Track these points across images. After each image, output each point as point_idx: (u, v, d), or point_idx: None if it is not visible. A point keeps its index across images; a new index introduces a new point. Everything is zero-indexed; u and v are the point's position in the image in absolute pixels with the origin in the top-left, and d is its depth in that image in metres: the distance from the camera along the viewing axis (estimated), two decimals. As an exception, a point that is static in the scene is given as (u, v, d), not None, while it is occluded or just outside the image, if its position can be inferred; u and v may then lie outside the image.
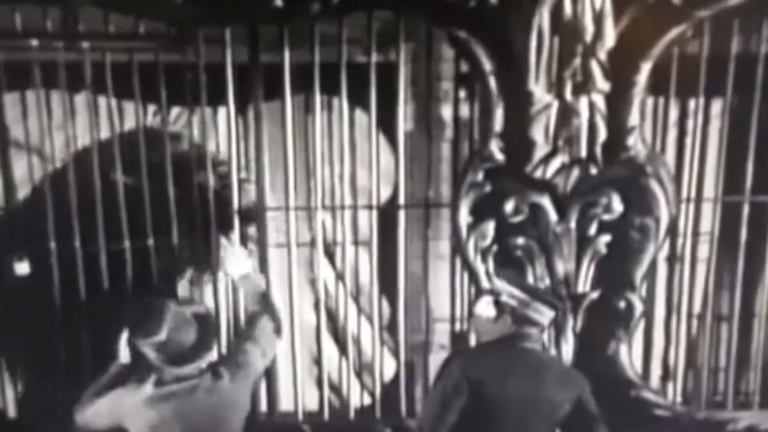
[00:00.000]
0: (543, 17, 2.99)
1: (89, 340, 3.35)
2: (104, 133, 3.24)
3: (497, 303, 2.64)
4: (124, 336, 2.66)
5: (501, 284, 2.71)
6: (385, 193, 3.41)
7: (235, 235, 3.30)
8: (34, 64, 3.12)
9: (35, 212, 3.25)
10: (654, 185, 3.17)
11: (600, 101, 3.09)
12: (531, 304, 2.61)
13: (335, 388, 3.63)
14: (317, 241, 3.41)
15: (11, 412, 3.51)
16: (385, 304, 3.54)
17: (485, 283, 3.23)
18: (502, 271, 2.99)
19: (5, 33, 3.09)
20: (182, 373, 2.49)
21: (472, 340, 2.90)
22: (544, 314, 2.63)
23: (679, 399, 3.53)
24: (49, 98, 3.21)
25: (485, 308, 2.67)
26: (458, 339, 3.46)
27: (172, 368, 2.48)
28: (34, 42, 3.10)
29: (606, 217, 3.20)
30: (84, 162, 3.23)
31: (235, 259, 2.87)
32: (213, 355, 2.61)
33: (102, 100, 3.20)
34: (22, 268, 3.35)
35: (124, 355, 2.66)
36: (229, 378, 2.57)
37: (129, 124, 3.25)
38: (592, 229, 3.21)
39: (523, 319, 2.61)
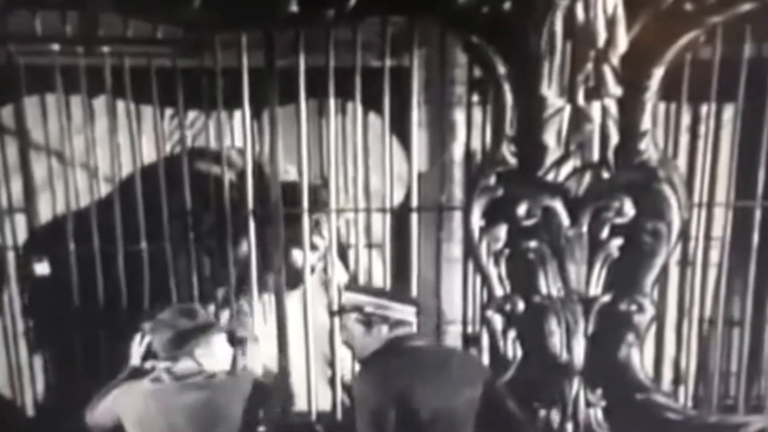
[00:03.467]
0: (556, 22, 3.01)
1: (107, 340, 3.41)
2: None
3: (365, 317, 2.59)
4: (137, 338, 2.71)
5: (349, 298, 2.65)
6: (398, 196, 3.44)
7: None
8: (54, 69, 3.18)
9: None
10: (666, 190, 3.18)
11: (612, 106, 3.10)
12: (388, 306, 2.59)
13: (348, 389, 3.66)
14: (331, 244, 3.45)
15: (30, 410, 3.57)
16: (397, 306, 3.56)
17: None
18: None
19: (26, 38, 3.15)
20: (182, 370, 2.55)
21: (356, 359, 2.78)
22: (405, 311, 2.61)
23: (690, 403, 3.54)
24: (69, 102, 3.26)
25: (355, 324, 2.61)
26: (470, 341, 3.48)
27: (163, 351, 2.54)
28: (54, 47, 3.15)
29: (618, 221, 3.21)
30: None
31: None
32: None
33: (120, 104, 3.26)
34: (43, 268, 3.41)
35: (135, 357, 2.71)
36: (227, 376, 2.64)
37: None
38: (604, 233, 3.22)
39: (393, 322, 2.58)
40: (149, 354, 2.66)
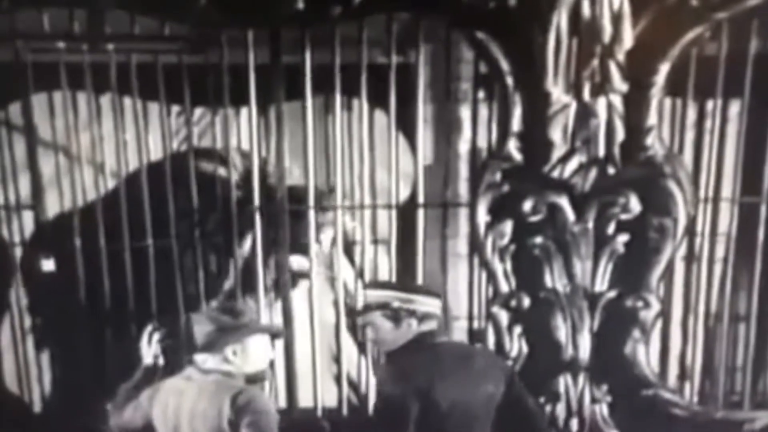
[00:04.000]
0: (561, 18, 3.01)
1: (112, 336, 3.43)
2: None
3: (392, 313, 2.57)
4: (145, 337, 2.71)
5: (373, 295, 2.63)
6: (404, 193, 3.45)
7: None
8: (60, 65, 3.19)
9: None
10: (672, 185, 3.18)
11: (618, 102, 3.11)
12: (413, 299, 2.58)
13: (354, 385, 3.67)
14: (337, 240, 3.45)
15: (37, 407, 3.58)
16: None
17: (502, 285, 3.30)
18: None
19: (33, 35, 3.16)
20: (211, 368, 2.53)
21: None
22: (432, 303, 2.60)
23: (696, 398, 3.53)
24: (76, 99, 3.27)
25: (383, 321, 2.59)
26: (476, 337, 3.49)
27: (202, 345, 2.52)
28: (61, 44, 3.16)
29: (624, 216, 3.21)
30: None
31: None
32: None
33: (127, 101, 3.27)
34: (48, 265, 3.43)
35: (147, 355, 2.71)
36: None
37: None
38: (610, 229, 3.23)
39: (421, 315, 2.57)
40: (168, 351, 2.65)
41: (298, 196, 3.37)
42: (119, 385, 2.68)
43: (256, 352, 2.56)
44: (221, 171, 3.41)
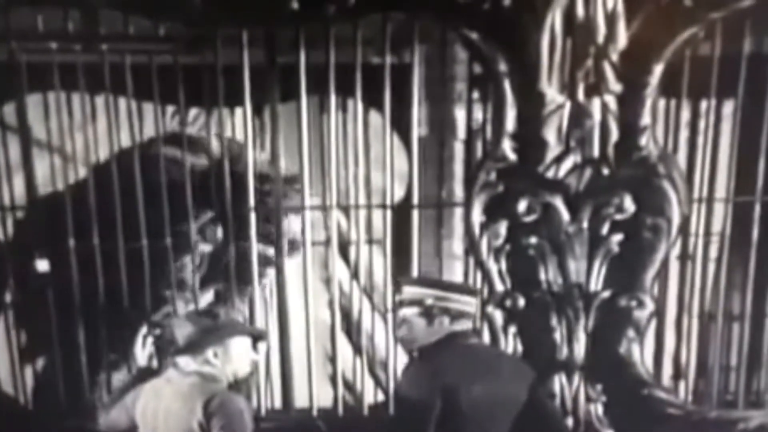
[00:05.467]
0: (556, 19, 3.02)
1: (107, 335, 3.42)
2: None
3: (426, 310, 2.56)
4: (140, 339, 2.70)
5: (408, 291, 2.61)
6: (399, 193, 3.45)
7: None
8: (54, 66, 3.18)
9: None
10: (666, 185, 3.20)
11: (612, 102, 3.12)
12: (448, 297, 2.56)
13: (349, 385, 3.67)
14: (332, 241, 3.45)
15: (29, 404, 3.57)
16: (398, 302, 3.57)
17: (498, 285, 3.31)
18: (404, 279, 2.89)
19: (27, 35, 3.15)
20: (192, 369, 2.51)
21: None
22: (468, 303, 2.59)
23: (690, 398, 3.54)
24: (70, 99, 3.26)
25: (416, 318, 2.58)
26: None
27: (183, 348, 2.52)
28: (55, 44, 3.16)
29: (618, 216, 3.22)
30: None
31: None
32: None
33: (122, 102, 3.26)
34: (42, 265, 3.42)
35: (141, 357, 2.71)
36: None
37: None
38: (604, 229, 3.24)
39: (455, 313, 2.56)
40: (159, 352, 2.65)
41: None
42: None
43: (237, 354, 2.54)
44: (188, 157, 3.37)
